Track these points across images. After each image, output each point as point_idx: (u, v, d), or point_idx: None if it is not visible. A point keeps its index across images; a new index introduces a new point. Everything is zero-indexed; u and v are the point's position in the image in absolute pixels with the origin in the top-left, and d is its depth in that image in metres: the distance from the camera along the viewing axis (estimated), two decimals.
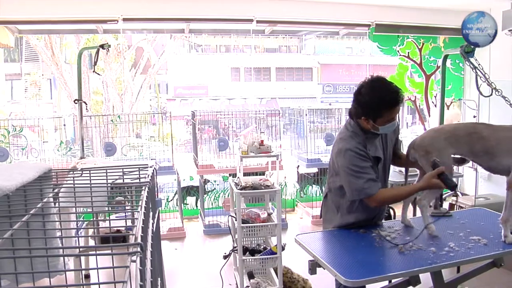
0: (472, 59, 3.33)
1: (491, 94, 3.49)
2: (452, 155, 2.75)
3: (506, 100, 2.69)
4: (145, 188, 1.49)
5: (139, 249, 0.93)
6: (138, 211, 1.23)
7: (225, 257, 4.25)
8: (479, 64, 3.24)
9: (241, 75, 22.78)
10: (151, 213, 1.54)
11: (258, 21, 6.15)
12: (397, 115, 2.72)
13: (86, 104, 4.94)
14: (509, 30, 6.03)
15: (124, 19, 5.74)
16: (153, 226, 1.55)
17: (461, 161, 2.88)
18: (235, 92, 21.33)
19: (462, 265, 2.77)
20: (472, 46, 3.21)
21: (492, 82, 2.88)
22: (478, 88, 3.45)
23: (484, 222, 2.94)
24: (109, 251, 1.80)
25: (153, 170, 1.92)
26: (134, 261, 0.88)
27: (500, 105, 6.50)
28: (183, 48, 23.14)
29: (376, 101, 2.61)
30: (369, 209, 2.83)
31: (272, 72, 23.87)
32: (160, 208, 6.07)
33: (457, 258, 2.42)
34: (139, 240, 0.99)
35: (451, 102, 7.13)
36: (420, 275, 2.49)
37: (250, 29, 6.48)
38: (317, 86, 23.78)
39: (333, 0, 6.14)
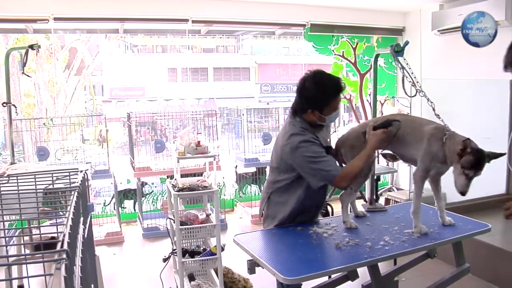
0: (400, 59, 3.42)
1: (415, 95, 3.60)
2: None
3: (428, 100, 2.79)
4: (74, 193, 1.44)
5: (64, 256, 0.89)
6: (66, 217, 1.19)
7: (165, 260, 4.19)
8: (407, 64, 3.33)
9: (178, 75, 22.56)
10: (81, 219, 1.49)
11: (193, 21, 6.10)
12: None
13: (16, 107, 4.75)
14: (438, 31, 6.25)
15: (55, 19, 5.54)
16: (84, 232, 1.49)
17: (394, 157, 2.97)
18: (172, 92, 21.08)
19: (398, 258, 2.84)
20: (401, 46, 3.27)
21: (417, 82, 2.97)
22: (404, 87, 3.54)
23: None
24: (40, 259, 1.73)
25: (84, 174, 1.86)
26: (59, 269, 0.84)
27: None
28: (118, 48, 22.69)
29: (322, 91, 2.72)
30: (316, 195, 2.88)
31: (209, 72, 23.79)
32: (94, 213, 5.94)
33: (392, 251, 2.48)
34: (65, 247, 0.95)
35: (385, 100, 7.32)
36: (358, 269, 2.52)
37: (186, 29, 6.42)
38: (254, 86, 23.89)
39: (269, 0, 6.17)
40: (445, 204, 2.81)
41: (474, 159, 2.35)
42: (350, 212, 3.10)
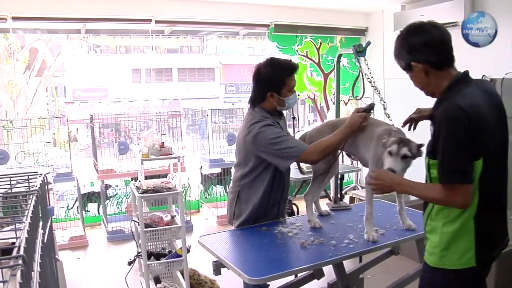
0: (361, 59, 3.45)
1: (362, 96, 3.62)
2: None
3: (381, 100, 2.81)
4: (32, 197, 1.40)
5: (20, 262, 0.86)
6: (23, 222, 1.15)
7: (130, 263, 4.13)
8: (366, 65, 3.36)
9: (142, 76, 22.38)
10: (41, 223, 1.45)
11: (157, 21, 6.04)
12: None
13: None
14: (400, 31, 6.33)
15: (14, 18, 5.40)
16: (43, 236, 1.45)
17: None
18: (136, 93, 20.89)
19: (363, 255, 2.87)
20: (363, 46, 3.31)
21: (374, 82, 3.00)
22: (363, 88, 3.58)
23: (381, 213, 3.06)
24: None
25: (44, 178, 1.82)
26: (15, 275, 0.82)
27: (392, 102, 6.82)
28: (81, 49, 22.37)
29: (276, 71, 2.80)
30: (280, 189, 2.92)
31: (174, 73, 23.66)
32: (57, 217, 5.83)
33: (357, 249, 2.51)
34: (21, 252, 0.92)
35: (349, 100, 7.39)
36: (324, 267, 2.54)
37: (149, 29, 6.35)
38: (219, 86, 23.87)
39: (232, 0, 6.15)
40: (404, 202, 2.83)
41: (395, 138, 2.34)
42: (315, 211, 3.12)
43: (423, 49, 1.95)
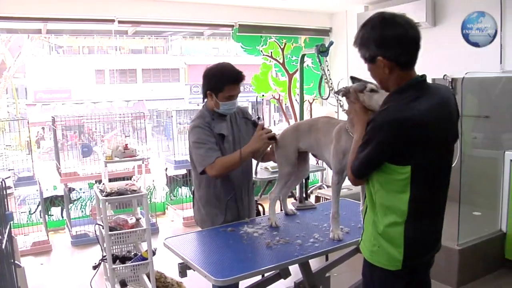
0: (323, 59, 3.47)
1: (328, 97, 3.65)
2: (303, 149, 2.87)
3: (339, 102, 2.84)
4: None
5: None
6: None
7: (95, 267, 4.06)
8: (327, 65, 3.38)
9: (106, 77, 22.08)
10: None
11: (120, 22, 5.95)
12: (237, 97, 2.92)
13: None
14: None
15: None
16: (1, 243, 1.42)
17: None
18: (100, 95, 20.59)
19: (330, 254, 2.89)
20: (326, 46, 3.33)
21: (331, 83, 3.02)
22: (319, 88, 3.61)
23: (346, 212, 3.09)
24: None
25: (2, 182, 1.77)
26: None
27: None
28: (42, 49, 21.93)
29: (219, 74, 2.87)
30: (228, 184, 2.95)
31: (138, 74, 23.42)
32: (19, 222, 5.71)
33: (322, 248, 2.53)
34: None
35: (313, 100, 7.44)
36: (290, 267, 2.54)
37: (112, 29, 6.26)
38: (184, 87, 23.72)
39: (196, 0, 6.12)
40: None
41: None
42: (281, 210, 3.13)
43: (395, 46, 1.88)
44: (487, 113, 4.99)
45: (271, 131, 2.80)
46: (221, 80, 2.84)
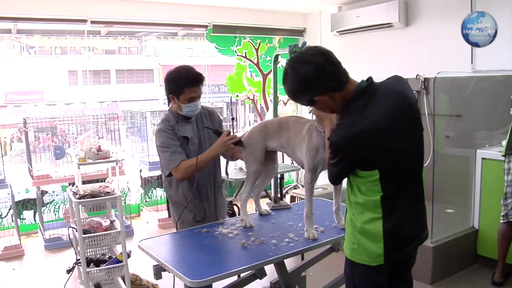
0: None
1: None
2: (272, 148, 2.88)
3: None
4: None
5: None
6: None
7: (69, 271, 4.03)
8: None
9: (79, 78, 21.78)
10: None
11: (92, 22, 5.87)
12: (199, 99, 2.94)
13: None
14: (338, 31, 6.47)
15: None
16: None
17: None
18: (73, 96, 20.29)
19: (305, 253, 2.90)
20: (299, 46, 3.32)
21: None
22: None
23: (321, 211, 3.11)
24: None
25: None
26: None
27: None
28: (13, 50, 21.55)
29: (178, 77, 2.89)
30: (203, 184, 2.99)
31: (112, 75, 23.17)
32: None
33: (297, 248, 2.54)
34: None
35: (288, 100, 7.46)
36: (266, 267, 2.54)
37: (84, 30, 6.17)
38: (159, 88, 23.55)
39: (170, 0, 6.08)
40: (341, 201, 2.86)
41: None
42: (255, 211, 3.14)
43: (318, 82, 1.91)
44: (459, 112, 5.08)
45: (236, 137, 2.84)
46: (180, 83, 2.86)
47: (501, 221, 4.17)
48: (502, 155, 4.15)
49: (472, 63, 5.09)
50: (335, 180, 2.12)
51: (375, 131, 1.87)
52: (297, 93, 1.99)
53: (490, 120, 4.96)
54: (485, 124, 5.01)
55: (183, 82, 2.86)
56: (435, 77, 4.39)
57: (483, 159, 4.56)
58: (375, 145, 1.90)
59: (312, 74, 1.90)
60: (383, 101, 1.92)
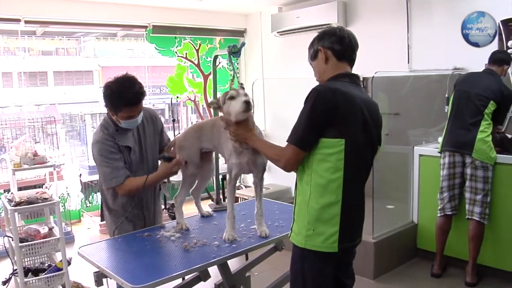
0: (235, 60, 3.49)
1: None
2: (207, 149, 2.90)
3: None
4: None
5: None
6: None
7: (5, 282, 3.90)
8: (237, 66, 3.42)
9: (14, 80, 21.02)
10: None
11: (26, 21, 5.67)
12: (139, 114, 2.82)
13: None
14: (278, 32, 6.54)
15: None
16: None
17: None
18: (7, 99, 19.56)
19: (249, 253, 2.91)
20: (238, 47, 3.34)
21: (241, 84, 3.06)
22: (231, 88, 3.63)
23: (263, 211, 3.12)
24: None
25: None
26: None
27: (270, 100, 7.00)
28: None
29: (115, 96, 2.71)
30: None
31: (49, 76, 22.49)
32: None
33: (240, 248, 2.55)
34: None
35: None
36: (210, 268, 2.54)
37: (18, 30, 5.96)
38: (99, 90, 23.02)
39: (109, 0, 5.96)
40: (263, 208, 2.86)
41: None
42: (198, 213, 3.13)
43: (329, 37, 2.23)
44: (397, 110, 5.22)
45: (181, 162, 2.81)
46: (118, 103, 2.71)
47: (438, 215, 4.33)
48: (438, 152, 4.31)
49: (408, 62, 5.25)
50: (303, 140, 2.08)
51: (348, 95, 2.08)
52: (313, 41, 2.33)
53: (427, 118, 5.13)
54: (422, 121, 5.18)
55: (121, 102, 2.70)
56: (373, 76, 4.49)
57: (420, 155, 4.71)
58: (344, 106, 2.05)
59: (329, 31, 2.27)
60: (361, 93, 2.23)
